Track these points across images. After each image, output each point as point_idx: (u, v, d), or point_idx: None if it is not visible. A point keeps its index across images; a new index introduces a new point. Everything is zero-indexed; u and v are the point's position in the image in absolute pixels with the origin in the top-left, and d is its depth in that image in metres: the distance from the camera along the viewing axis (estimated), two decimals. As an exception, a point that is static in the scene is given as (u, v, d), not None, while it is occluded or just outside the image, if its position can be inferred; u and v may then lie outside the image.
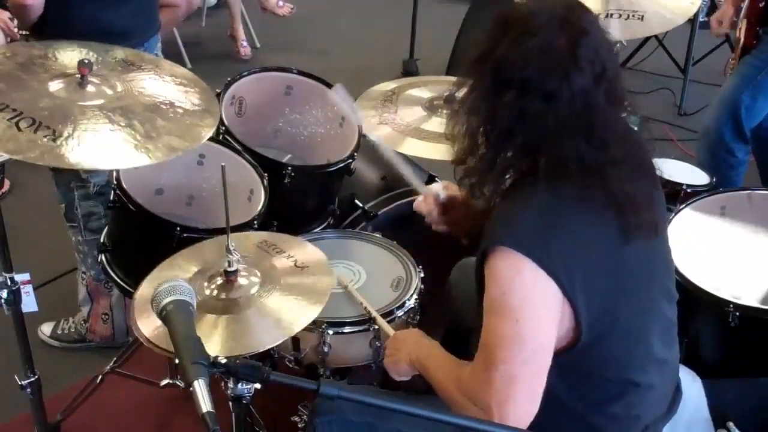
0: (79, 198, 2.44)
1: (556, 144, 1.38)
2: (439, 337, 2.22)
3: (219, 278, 1.72)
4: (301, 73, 2.58)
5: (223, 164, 1.59)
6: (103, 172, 2.37)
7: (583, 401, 1.50)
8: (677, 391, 1.67)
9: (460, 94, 1.48)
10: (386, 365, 1.74)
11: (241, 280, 1.71)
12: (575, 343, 1.42)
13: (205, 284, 1.71)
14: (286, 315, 1.64)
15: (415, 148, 2.34)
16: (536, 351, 1.38)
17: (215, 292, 1.69)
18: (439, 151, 2.34)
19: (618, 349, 1.47)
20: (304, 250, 1.85)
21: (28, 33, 2.38)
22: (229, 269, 1.69)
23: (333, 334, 1.89)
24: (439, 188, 1.95)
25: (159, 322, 1.27)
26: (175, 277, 1.31)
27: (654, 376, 1.54)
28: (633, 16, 2.48)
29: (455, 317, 2.06)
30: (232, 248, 1.67)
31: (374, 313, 1.90)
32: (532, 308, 1.37)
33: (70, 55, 1.86)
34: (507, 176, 1.46)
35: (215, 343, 1.54)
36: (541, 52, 1.35)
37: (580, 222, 1.41)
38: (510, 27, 1.40)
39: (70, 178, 2.42)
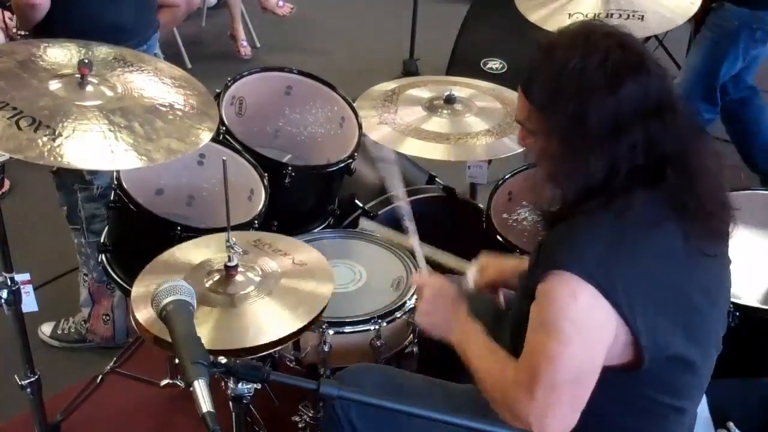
0: (82, 200, 2.43)
1: (651, 129, 1.37)
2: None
3: (217, 274, 1.73)
4: (301, 73, 2.58)
5: (224, 158, 1.59)
6: (107, 173, 2.36)
7: (628, 423, 1.49)
8: None
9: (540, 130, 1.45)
10: (418, 321, 1.69)
11: (239, 277, 1.71)
12: (636, 366, 1.40)
13: (204, 278, 1.72)
14: (274, 320, 1.64)
15: (415, 148, 2.35)
16: (582, 374, 1.37)
17: (212, 284, 1.71)
18: (439, 151, 2.35)
19: (677, 379, 1.46)
20: (307, 255, 1.86)
21: (26, 34, 2.37)
22: (229, 264, 1.69)
23: (333, 334, 1.89)
24: (472, 276, 1.91)
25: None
26: (175, 277, 1.31)
27: (698, 401, 1.54)
28: (633, 16, 2.47)
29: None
30: (232, 242, 1.68)
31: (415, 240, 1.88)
32: (584, 335, 1.35)
33: (69, 54, 1.86)
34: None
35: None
36: (613, 60, 1.37)
37: (648, 246, 1.39)
38: (618, 71, 1.38)
39: (73, 180, 2.42)
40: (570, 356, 1.35)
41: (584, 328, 1.35)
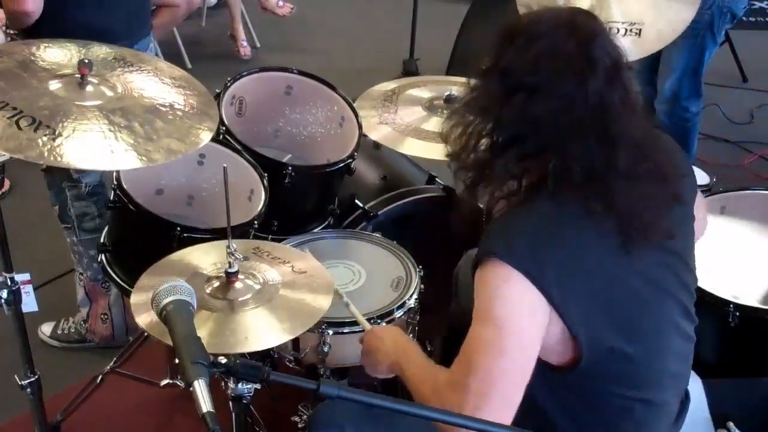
0: (71, 199, 2.44)
1: (566, 148, 1.36)
2: (442, 335, 2.24)
3: (217, 280, 1.73)
4: (301, 73, 2.57)
5: (225, 165, 1.59)
6: (95, 172, 2.36)
7: (593, 418, 1.48)
8: (684, 399, 1.64)
9: (465, 98, 1.47)
10: (364, 363, 1.70)
11: (238, 285, 1.71)
12: (577, 362, 1.40)
13: (205, 283, 1.72)
14: (271, 328, 1.64)
15: (415, 148, 2.34)
16: (516, 362, 1.36)
17: (212, 290, 1.71)
18: (439, 151, 2.34)
19: (625, 369, 1.45)
20: (306, 263, 1.85)
21: (16, 33, 2.38)
22: (230, 270, 1.70)
23: (333, 334, 1.89)
24: None
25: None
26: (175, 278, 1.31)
27: (667, 393, 1.52)
28: (630, 31, 2.39)
29: (462, 308, 2.04)
30: (233, 249, 1.68)
31: (350, 305, 1.88)
32: (517, 319, 1.35)
33: (69, 54, 1.86)
34: (505, 183, 1.43)
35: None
36: (551, 55, 1.35)
37: (579, 236, 1.39)
38: (516, 34, 1.40)
39: (62, 179, 2.42)
40: (503, 342, 1.35)
41: (516, 312, 1.35)
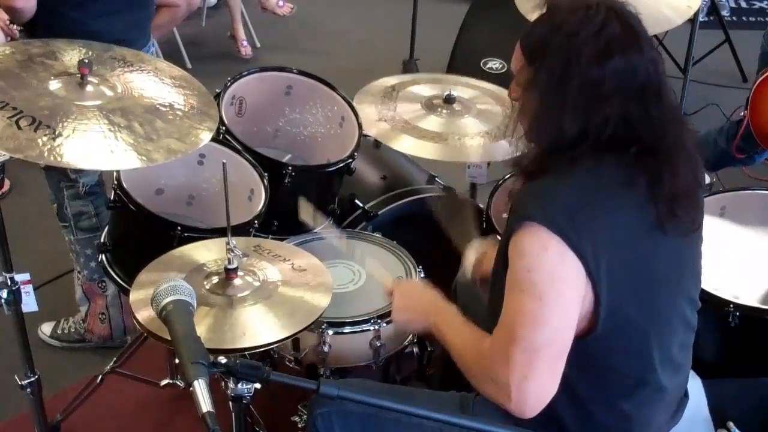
0: (68, 198, 2.44)
1: (629, 110, 1.39)
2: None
3: (216, 276, 1.73)
4: (301, 73, 2.57)
5: (224, 161, 1.59)
6: (93, 171, 2.36)
7: (594, 393, 1.49)
8: (683, 396, 1.66)
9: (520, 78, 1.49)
10: (395, 319, 1.73)
11: (237, 281, 1.71)
12: (590, 330, 1.41)
13: (204, 279, 1.72)
14: (269, 325, 1.63)
15: (414, 146, 2.34)
16: (558, 330, 1.37)
17: (211, 286, 1.71)
18: (439, 151, 2.35)
19: (634, 345, 1.46)
20: (307, 261, 1.85)
21: (20, 29, 2.39)
22: (229, 266, 1.69)
23: (333, 334, 1.89)
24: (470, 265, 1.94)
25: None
26: (175, 277, 1.31)
27: (667, 379, 1.53)
28: None
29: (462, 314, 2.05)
30: (233, 245, 1.68)
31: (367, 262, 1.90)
32: (557, 287, 1.36)
33: (70, 54, 1.86)
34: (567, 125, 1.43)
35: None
36: (608, 33, 1.39)
37: (617, 207, 1.40)
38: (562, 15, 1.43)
39: (59, 178, 2.42)
40: (544, 311, 1.36)
41: (556, 280, 1.36)
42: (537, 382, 1.37)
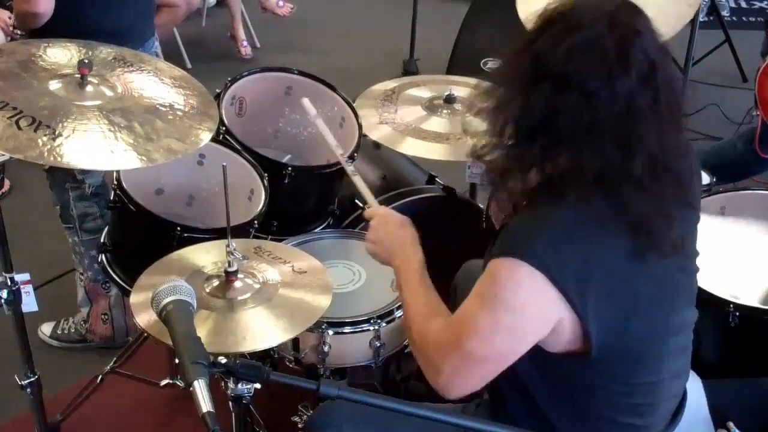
0: (74, 199, 2.44)
1: (581, 147, 1.32)
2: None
3: (216, 279, 1.72)
4: (301, 73, 2.58)
5: (224, 164, 1.59)
6: (99, 172, 2.36)
7: (600, 409, 1.48)
8: (682, 399, 1.64)
9: (494, 87, 1.44)
10: (367, 248, 1.73)
11: (237, 284, 1.71)
12: (585, 354, 1.40)
13: (204, 282, 1.72)
14: (269, 327, 1.64)
15: (415, 147, 2.34)
16: (503, 354, 1.38)
17: (211, 289, 1.71)
18: (439, 151, 2.34)
19: (629, 369, 1.45)
20: (307, 263, 1.85)
21: (24, 33, 2.38)
22: (229, 269, 1.69)
23: (333, 334, 1.89)
24: None
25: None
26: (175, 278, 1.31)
27: (665, 392, 1.53)
28: None
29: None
30: (233, 248, 1.67)
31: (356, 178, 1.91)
32: (517, 318, 1.36)
33: (69, 54, 1.86)
34: (525, 176, 1.39)
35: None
36: (585, 48, 1.30)
37: (598, 241, 1.37)
38: (555, 21, 1.35)
39: (64, 179, 2.42)
40: (496, 336, 1.37)
41: (518, 313, 1.35)
42: (467, 382, 1.42)
